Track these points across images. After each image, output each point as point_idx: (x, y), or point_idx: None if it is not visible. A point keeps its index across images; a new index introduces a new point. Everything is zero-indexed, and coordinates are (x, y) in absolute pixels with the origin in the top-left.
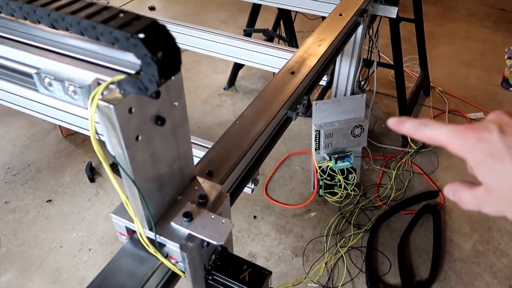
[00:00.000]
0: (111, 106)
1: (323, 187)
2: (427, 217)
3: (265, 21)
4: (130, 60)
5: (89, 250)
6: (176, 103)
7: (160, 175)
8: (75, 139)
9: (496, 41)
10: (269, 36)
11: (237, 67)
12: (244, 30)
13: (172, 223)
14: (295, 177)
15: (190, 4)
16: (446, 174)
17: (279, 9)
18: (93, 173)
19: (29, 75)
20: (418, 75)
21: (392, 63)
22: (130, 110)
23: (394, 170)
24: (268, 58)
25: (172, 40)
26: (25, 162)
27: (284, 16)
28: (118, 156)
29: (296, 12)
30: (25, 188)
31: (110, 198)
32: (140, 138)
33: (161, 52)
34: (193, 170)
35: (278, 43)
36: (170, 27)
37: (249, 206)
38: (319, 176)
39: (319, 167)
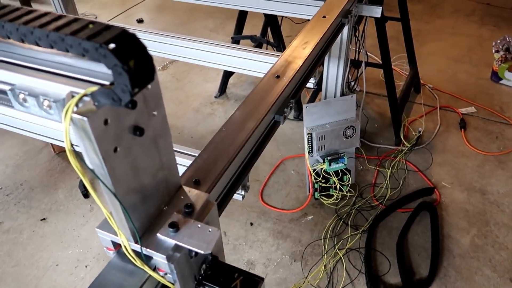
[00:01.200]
0: (85, 118)
1: (318, 190)
2: (424, 214)
3: (254, 27)
4: (104, 71)
5: (86, 267)
6: (155, 112)
7: (143, 186)
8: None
9: (483, 35)
10: (258, 42)
11: (227, 74)
12: (232, 38)
13: (158, 234)
14: (290, 181)
15: (179, 14)
16: (441, 170)
17: (265, 15)
18: (87, 188)
19: (4, 92)
20: (407, 73)
21: (381, 62)
22: (105, 122)
23: (388, 169)
24: (256, 63)
25: (143, 48)
26: (18, 181)
27: (271, 21)
28: (97, 169)
29: (282, 17)
30: (18, 208)
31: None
32: (118, 149)
33: (133, 61)
34: (179, 179)
35: (267, 49)
36: (158, 38)
37: (245, 213)
38: (313, 179)
39: (313, 170)
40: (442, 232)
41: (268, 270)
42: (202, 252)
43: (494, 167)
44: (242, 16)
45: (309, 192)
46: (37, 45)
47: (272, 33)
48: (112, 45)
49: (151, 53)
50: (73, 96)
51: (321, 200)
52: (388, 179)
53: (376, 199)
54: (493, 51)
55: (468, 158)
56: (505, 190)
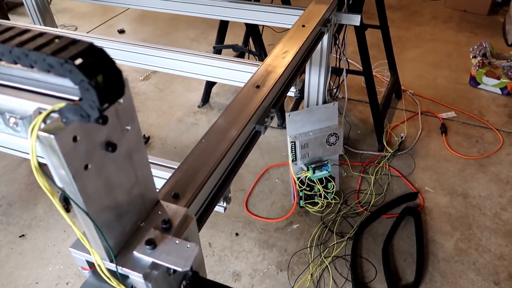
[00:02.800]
0: (52, 136)
1: (303, 198)
2: (408, 220)
3: (236, 36)
4: (73, 86)
5: (67, 284)
6: (129, 127)
7: (117, 204)
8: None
9: (461, 42)
10: (239, 51)
11: (210, 84)
12: (214, 47)
13: (134, 252)
14: (275, 190)
15: (160, 24)
16: (423, 175)
17: (247, 24)
18: (67, 202)
19: None
20: (388, 80)
21: (362, 69)
22: (74, 139)
23: (372, 175)
24: (237, 73)
25: (111, 63)
26: None
27: (252, 30)
28: (67, 188)
29: (263, 26)
30: None
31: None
32: (89, 166)
33: (101, 76)
34: (156, 194)
35: (249, 58)
36: (139, 49)
37: (230, 224)
38: (298, 187)
39: (298, 178)
40: (426, 236)
41: (254, 281)
42: (180, 269)
43: (475, 170)
44: (224, 25)
45: (294, 200)
46: (0, 60)
47: (254, 42)
48: (78, 60)
49: (133, 64)
50: (40, 113)
51: (306, 208)
52: (372, 185)
53: (361, 206)
54: (471, 56)
55: (449, 162)
56: (486, 193)
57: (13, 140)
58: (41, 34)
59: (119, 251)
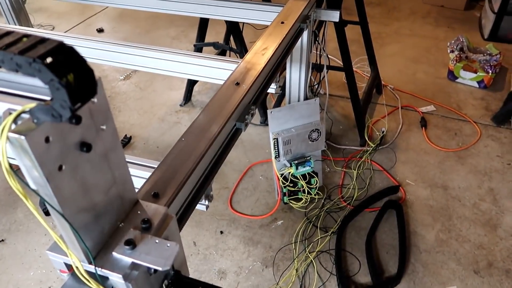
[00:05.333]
0: (23, 137)
1: (287, 194)
2: (390, 212)
3: (217, 34)
4: (44, 86)
5: None
6: (104, 127)
7: (94, 204)
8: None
9: (439, 36)
10: (220, 49)
11: (192, 82)
12: (195, 45)
13: (113, 253)
14: (259, 187)
15: (140, 22)
16: (405, 168)
17: (227, 21)
18: (47, 205)
19: None
20: (369, 75)
21: (343, 65)
22: (47, 139)
23: (355, 170)
24: (218, 71)
25: (82, 61)
26: None
27: (233, 28)
28: (41, 190)
29: (244, 23)
30: None
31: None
32: (64, 167)
33: (71, 75)
34: (134, 194)
35: (230, 55)
36: (119, 48)
37: (215, 222)
38: (281, 184)
39: (281, 175)
40: (408, 229)
41: (240, 278)
42: (160, 268)
43: (454, 162)
44: (204, 23)
45: (278, 196)
46: None
47: (235, 39)
48: (49, 59)
49: (113, 64)
50: (10, 114)
51: (290, 204)
52: (354, 179)
53: (344, 200)
54: (449, 51)
55: (429, 155)
56: (465, 184)
57: None
58: (8, 33)
59: (98, 253)
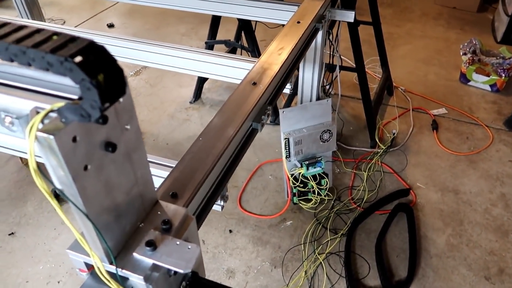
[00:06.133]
0: (51, 136)
1: (297, 195)
2: (401, 216)
3: (227, 32)
4: (72, 85)
5: (58, 282)
6: (128, 126)
7: (116, 204)
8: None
9: (451, 38)
10: (232, 47)
11: (202, 79)
12: (206, 43)
13: (134, 254)
14: (268, 187)
15: (150, 18)
16: (416, 171)
17: (239, 19)
18: (58, 199)
19: None
20: (380, 76)
21: (355, 66)
22: (74, 139)
23: (365, 172)
24: (231, 69)
25: (113, 61)
26: None
27: (245, 26)
28: (66, 190)
29: (256, 21)
30: None
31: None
32: (89, 167)
33: (102, 75)
34: (155, 194)
35: (241, 54)
36: (130, 44)
37: (223, 221)
38: (291, 184)
39: (291, 175)
40: (418, 232)
41: (248, 278)
42: (181, 271)
43: (465, 167)
44: (216, 20)
45: (288, 197)
46: None
47: (246, 37)
48: (78, 58)
49: (123, 59)
50: (37, 112)
51: (300, 204)
52: (365, 181)
53: (354, 202)
54: (461, 53)
55: (441, 158)
56: (477, 189)
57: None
58: (38, 31)
59: (119, 253)
